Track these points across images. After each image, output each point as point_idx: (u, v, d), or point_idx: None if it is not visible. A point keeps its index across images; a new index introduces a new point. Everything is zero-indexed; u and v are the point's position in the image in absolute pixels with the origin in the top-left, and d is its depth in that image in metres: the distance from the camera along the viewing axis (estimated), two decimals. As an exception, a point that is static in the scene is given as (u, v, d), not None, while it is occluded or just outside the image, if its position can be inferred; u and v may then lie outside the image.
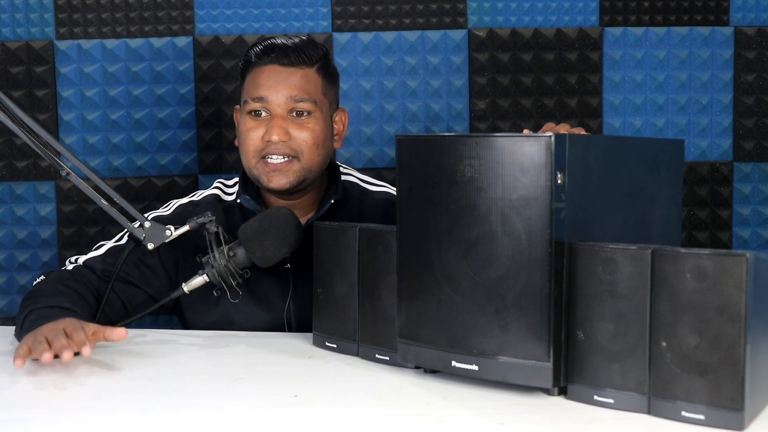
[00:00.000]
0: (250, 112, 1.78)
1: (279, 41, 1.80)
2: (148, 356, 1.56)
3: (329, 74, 1.84)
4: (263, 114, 1.77)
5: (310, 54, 1.79)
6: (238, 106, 1.87)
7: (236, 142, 1.86)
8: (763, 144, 2.38)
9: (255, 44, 1.82)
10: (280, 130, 1.75)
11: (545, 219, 1.21)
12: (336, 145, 1.87)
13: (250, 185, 1.85)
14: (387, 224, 1.47)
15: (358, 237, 1.47)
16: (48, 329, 1.48)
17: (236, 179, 1.90)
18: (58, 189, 2.31)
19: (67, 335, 1.46)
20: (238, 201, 1.84)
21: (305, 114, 1.77)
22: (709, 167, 2.39)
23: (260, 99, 1.76)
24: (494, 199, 1.24)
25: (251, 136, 1.77)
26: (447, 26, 2.35)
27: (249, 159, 1.78)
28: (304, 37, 1.83)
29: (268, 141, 1.75)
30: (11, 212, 2.30)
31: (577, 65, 2.36)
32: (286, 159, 1.76)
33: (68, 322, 1.50)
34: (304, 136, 1.77)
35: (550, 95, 2.37)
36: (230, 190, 1.90)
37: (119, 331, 1.51)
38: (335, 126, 1.86)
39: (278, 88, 1.76)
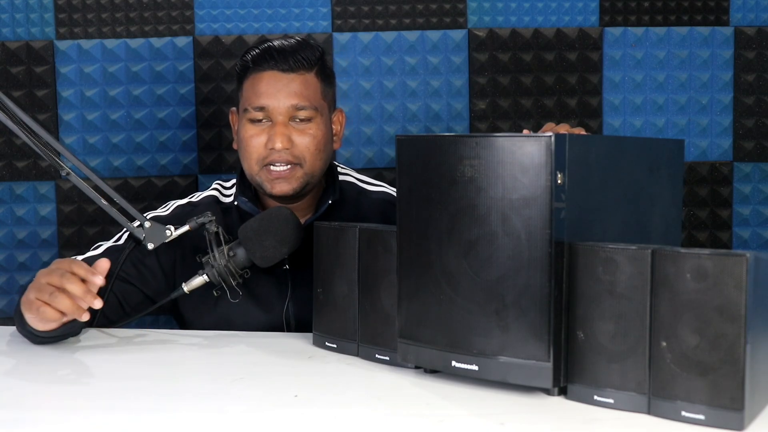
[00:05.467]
0: (250, 120, 1.77)
1: (276, 44, 1.78)
2: (148, 356, 1.55)
3: (327, 76, 1.83)
4: (264, 120, 1.77)
5: (309, 57, 1.77)
6: (234, 108, 1.86)
7: (234, 145, 1.86)
8: (763, 144, 2.38)
9: (251, 47, 1.80)
10: (283, 137, 1.74)
11: (545, 219, 1.21)
12: (335, 145, 1.86)
13: (247, 187, 1.85)
14: (386, 224, 1.47)
15: (358, 237, 1.47)
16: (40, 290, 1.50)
17: (234, 180, 1.90)
18: (58, 189, 2.31)
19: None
20: (236, 203, 1.84)
21: (306, 120, 1.77)
22: (709, 167, 2.39)
23: (261, 108, 1.75)
24: (494, 199, 1.24)
25: (253, 143, 1.76)
26: (447, 26, 2.35)
27: (251, 166, 1.78)
28: (299, 38, 1.81)
29: (272, 148, 1.74)
30: (11, 212, 2.30)
31: (577, 65, 2.36)
32: (288, 167, 1.75)
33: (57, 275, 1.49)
34: (306, 142, 1.76)
35: (550, 95, 2.37)
36: (228, 192, 1.89)
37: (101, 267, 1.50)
38: (334, 127, 1.85)
39: (279, 97, 1.75)
